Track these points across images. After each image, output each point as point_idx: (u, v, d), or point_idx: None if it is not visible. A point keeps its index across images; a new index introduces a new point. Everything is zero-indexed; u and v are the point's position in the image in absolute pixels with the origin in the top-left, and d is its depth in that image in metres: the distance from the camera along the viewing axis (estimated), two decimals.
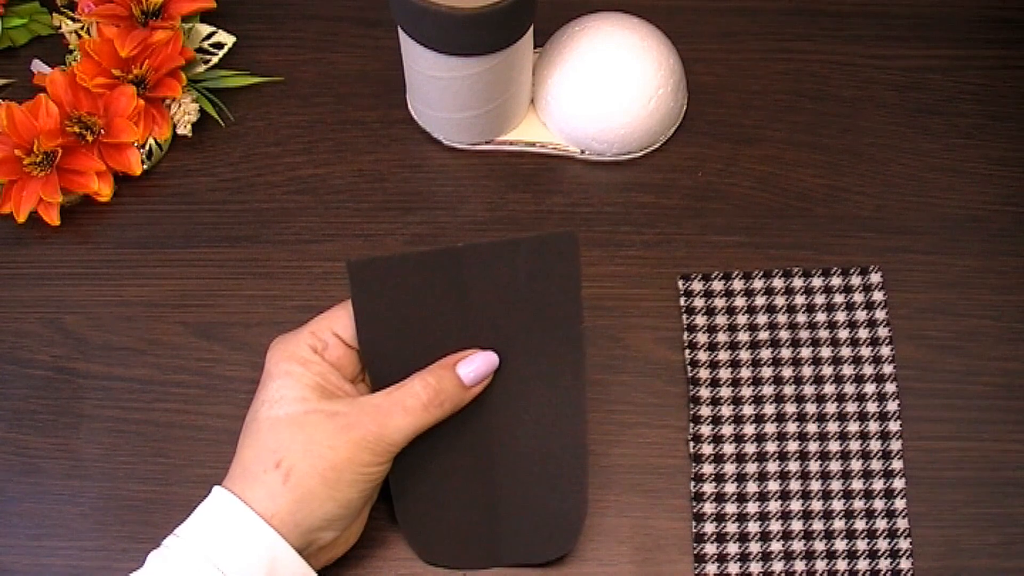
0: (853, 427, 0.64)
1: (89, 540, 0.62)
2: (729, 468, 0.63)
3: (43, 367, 0.66)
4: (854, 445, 0.64)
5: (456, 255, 0.57)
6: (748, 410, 0.64)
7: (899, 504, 0.62)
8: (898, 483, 0.63)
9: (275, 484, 0.53)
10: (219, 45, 0.73)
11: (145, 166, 0.70)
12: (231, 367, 0.66)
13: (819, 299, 0.67)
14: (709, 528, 0.62)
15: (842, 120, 0.73)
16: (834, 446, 0.64)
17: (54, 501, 0.63)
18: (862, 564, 0.61)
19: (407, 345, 0.58)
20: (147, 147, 0.70)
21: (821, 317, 0.67)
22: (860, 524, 0.62)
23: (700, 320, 0.66)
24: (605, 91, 0.68)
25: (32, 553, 0.62)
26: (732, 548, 0.62)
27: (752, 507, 0.62)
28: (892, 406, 0.64)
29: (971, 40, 0.76)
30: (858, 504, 0.62)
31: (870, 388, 0.65)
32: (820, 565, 0.61)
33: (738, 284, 0.67)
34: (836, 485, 0.63)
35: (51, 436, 0.64)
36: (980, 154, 0.72)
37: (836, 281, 0.67)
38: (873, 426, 0.64)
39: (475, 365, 0.57)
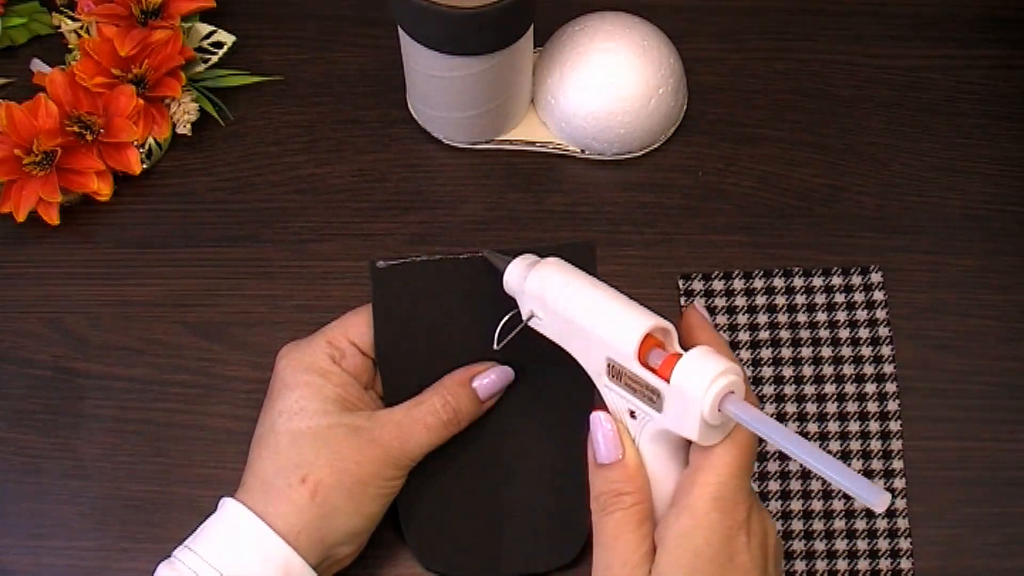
0: (854, 427, 0.64)
1: (89, 540, 0.62)
2: None
3: (43, 367, 0.66)
4: (854, 445, 0.64)
5: (476, 262, 0.56)
6: None
7: (899, 504, 0.62)
8: (898, 483, 0.63)
9: (302, 499, 0.53)
10: (219, 44, 0.73)
11: (145, 166, 0.70)
12: (231, 367, 0.66)
13: (819, 299, 0.67)
14: None
15: (842, 120, 0.73)
16: (835, 445, 0.64)
17: (54, 501, 0.63)
18: (862, 564, 0.61)
19: (423, 350, 0.57)
20: (147, 147, 0.70)
21: (822, 317, 0.67)
22: (861, 524, 0.62)
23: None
24: (605, 91, 0.68)
25: (32, 553, 0.62)
26: None
27: None
28: (893, 406, 0.64)
29: (971, 40, 0.76)
30: (859, 504, 0.62)
31: (871, 388, 0.65)
32: (821, 565, 0.61)
33: (738, 284, 0.67)
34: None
35: (51, 436, 0.64)
36: (980, 154, 0.72)
37: (837, 281, 0.67)
38: (874, 426, 0.64)
39: (490, 379, 0.57)
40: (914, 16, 0.76)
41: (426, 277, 0.56)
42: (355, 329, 0.57)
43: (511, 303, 0.56)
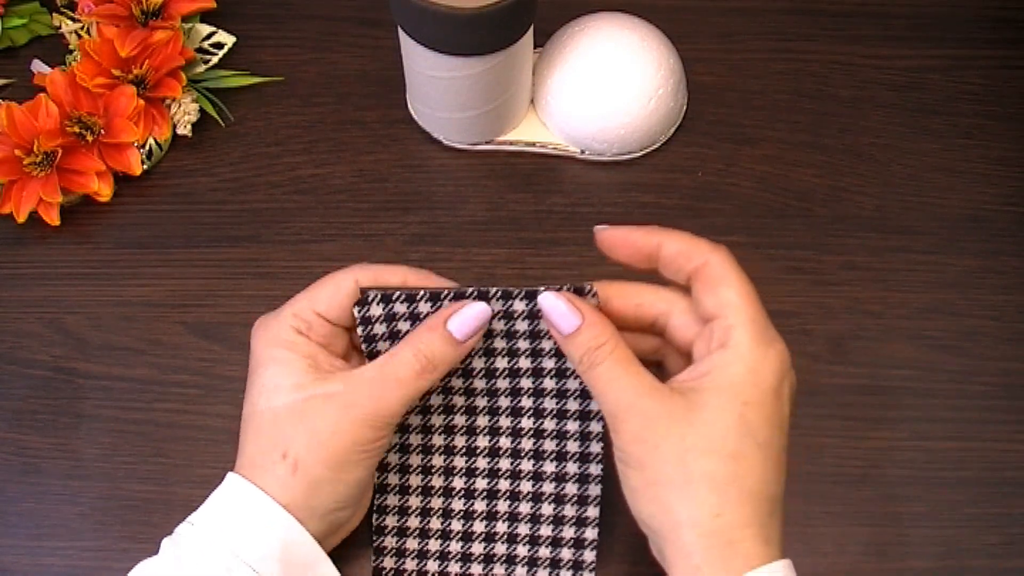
0: (549, 467, 0.58)
1: (89, 540, 0.62)
2: (415, 502, 0.60)
3: (43, 367, 0.66)
4: (548, 473, 0.58)
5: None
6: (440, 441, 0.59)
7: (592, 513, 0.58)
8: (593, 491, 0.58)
9: (285, 474, 0.53)
10: (219, 45, 0.74)
11: (145, 166, 0.70)
12: (231, 367, 0.66)
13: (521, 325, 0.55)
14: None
15: (842, 120, 0.73)
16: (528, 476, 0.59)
17: (54, 501, 0.63)
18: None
19: None
20: (147, 147, 0.70)
21: (523, 344, 0.56)
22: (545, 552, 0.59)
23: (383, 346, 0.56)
24: (605, 91, 0.68)
25: (32, 553, 0.62)
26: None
27: (435, 524, 0.60)
28: (596, 427, 0.57)
29: (971, 40, 0.76)
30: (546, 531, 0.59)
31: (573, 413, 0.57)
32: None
33: (424, 307, 0.55)
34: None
35: (51, 436, 0.64)
36: (980, 154, 0.72)
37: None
38: (573, 446, 0.58)
39: (464, 318, 0.53)
40: (914, 16, 0.76)
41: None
42: (321, 301, 0.55)
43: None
